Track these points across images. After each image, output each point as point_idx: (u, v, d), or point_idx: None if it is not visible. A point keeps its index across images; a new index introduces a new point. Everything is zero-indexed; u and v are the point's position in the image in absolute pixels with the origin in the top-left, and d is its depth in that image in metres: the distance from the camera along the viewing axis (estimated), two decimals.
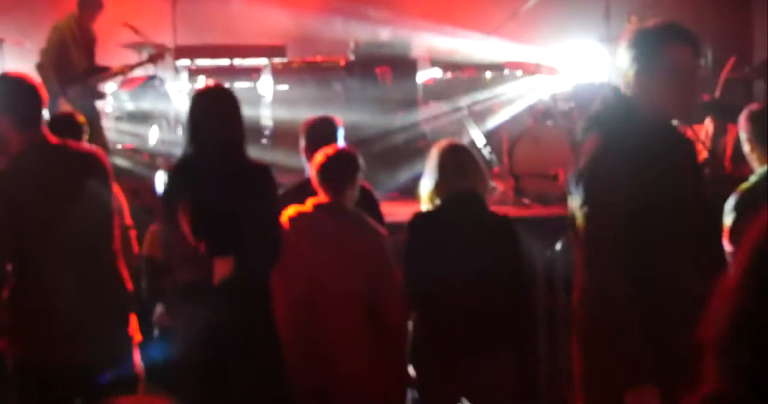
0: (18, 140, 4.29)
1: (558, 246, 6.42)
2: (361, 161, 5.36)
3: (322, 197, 5.17)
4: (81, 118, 5.99)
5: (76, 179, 4.30)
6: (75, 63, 9.42)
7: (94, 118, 9.46)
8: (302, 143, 5.88)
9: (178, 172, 4.77)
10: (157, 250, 5.46)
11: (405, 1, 12.10)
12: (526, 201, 9.22)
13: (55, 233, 4.21)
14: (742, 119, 5.22)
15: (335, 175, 5.19)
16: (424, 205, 5.12)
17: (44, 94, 4.39)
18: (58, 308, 4.24)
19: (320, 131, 5.86)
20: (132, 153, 10.32)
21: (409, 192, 9.72)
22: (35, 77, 4.45)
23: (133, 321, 4.60)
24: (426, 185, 5.11)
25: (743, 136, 5.18)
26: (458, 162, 5.08)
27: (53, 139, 4.39)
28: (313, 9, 12.07)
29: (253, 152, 9.25)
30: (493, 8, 11.35)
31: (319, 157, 5.25)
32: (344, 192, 5.19)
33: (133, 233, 5.76)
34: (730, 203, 4.90)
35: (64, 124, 5.79)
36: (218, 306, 4.53)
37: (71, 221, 4.19)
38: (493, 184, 9.60)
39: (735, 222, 4.78)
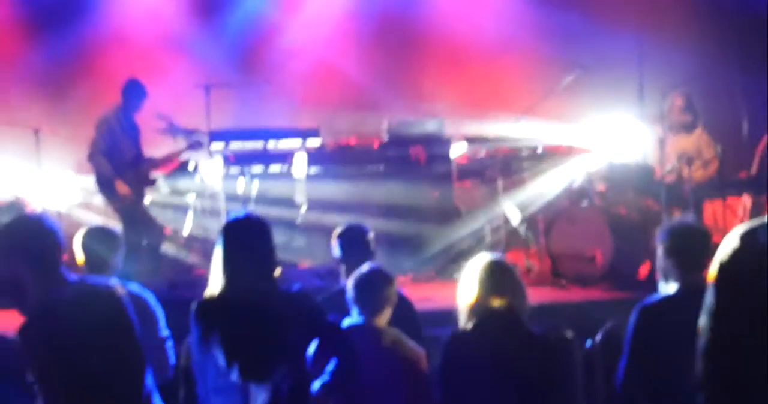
0: (36, 286, 4.28)
1: (598, 336, 6.30)
2: (394, 278, 5.38)
3: (356, 317, 5.18)
4: (115, 232, 5.99)
5: (96, 319, 4.28)
6: (124, 152, 9.60)
7: (142, 203, 9.82)
8: (335, 251, 6.01)
9: (210, 305, 4.75)
10: None
11: (438, 84, 12.19)
12: (563, 282, 9.16)
13: (83, 376, 4.19)
14: None
15: (371, 298, 5.22)
16: (462, 321, 5.06)
17: (61, 237, 4.37)
18: None
19: (351, 240, 6.05)
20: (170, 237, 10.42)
21: (445, 271, 9.77)
22: (53, 220, 4.40)
23: None
24: (463, 299, 5.05)
25: None
26: (496, 279, 5.03)
27: (71, 278, 4.36)
28: (345, 95, 12.21)
29: (285, 235, 9.41)
30: (528, 88, 11.40)
31: (355, 276, 5.28)
32: (380, 313, 5.22)
33: (168, 344, 5.72)
34: None
35: (101, 236, 5.80)
36: None
37: (96, 363, 4.17)
38: (531, 265, 9.60)
39: None
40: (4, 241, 4.30)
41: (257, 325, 4.55)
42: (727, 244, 3.30)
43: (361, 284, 5.23)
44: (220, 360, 4.52)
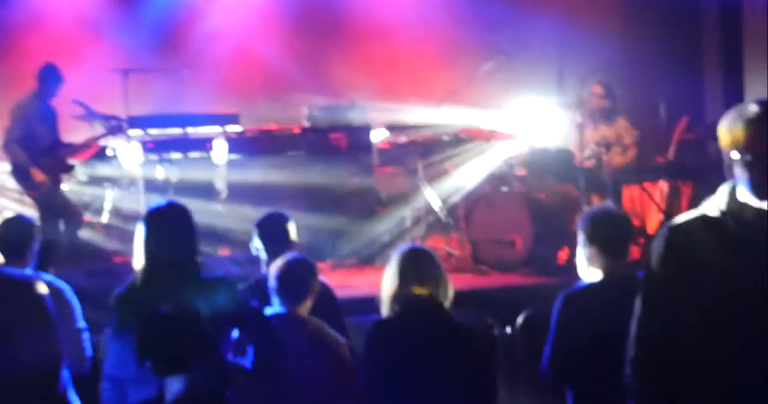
0: None
1: (518, 322, 6.34)
2: (316, 268, 5.37)
3: (278, 307, 5.15)
4: (31, 221, 5.88)
5: (11, 311, 4.20)
6: (40, 139, 9.45)
7: (59, 190, 9.68)
8: (255, 239, 5.98)
9: (129, 294, 4.69)
10: None
11: (359, 70, 12.16)
12: (483, 267, 9.19)
13: None
14: None
15: (294, 288, 5.18)
16: (385, 310, 5.06)
17: None
18: None
19: (271, 228, 5.99)
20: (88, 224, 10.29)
21: (366, 258, 9.77)
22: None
23: None
24: (386, 288, 5.05)
25: None
26: (418, 267, 5.03)
27: None
28: (266, 81, 12.13)
29: (208, 219, 9.34)
30: (447, 74, 11.41)
31: (277, 265, 5.25)
32: (302, 303, 5.19)
33: (85, 336, 5.62)
34: None
35: (16, 225, 5.69)
36: None
37: (11, 356, 4.10)
38: (452, 251, 9.63)
39: None
40: None
41: (173, 315, 4.51)
42: (662, 236, 3.33)
43: (284, 274, 5.19)
44: (134, 350, 4.48)
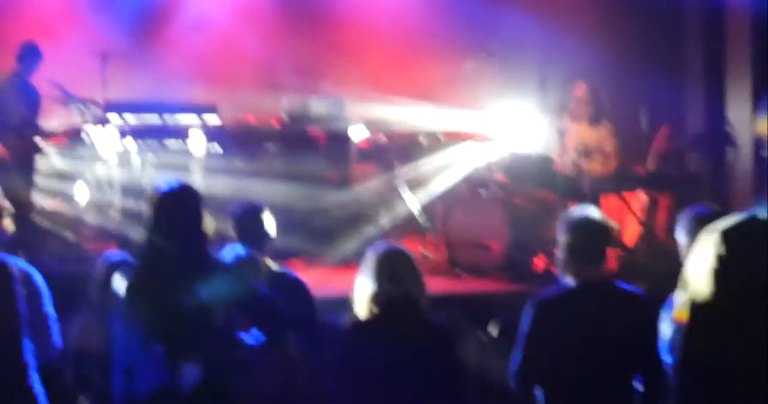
0: None
1: (492, 327, 6.35)
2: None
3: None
4: None
5: None
6: (9, 114, 9.36)
7: (28, 171, 9.59)
8: (229, 229, 5.89)
9: (139, 281, 4.66)
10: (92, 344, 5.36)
11: (342, 65, 12.14)
12: (459, 271, 9.18)
13: None
14: (685, 222, 5.23)
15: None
16: (360, 310, 5.04)
17: None
18: None
19: (246, 218, 5.93)
20: (56, 212, 10.21)
21: (345, 258, 9.74)
22: None
23: None
24: (361, 288, 5.03)
25: (684, 238, 5.17)
26: (394, 269, 5.01)
27: None
28: (247, 70, 12.09)
29: None
30: (428, 73, 11.40)
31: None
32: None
33: (53, 323, 5.57)
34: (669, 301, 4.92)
35: None
36: None
37: None
38: (427, 253, 9.62)
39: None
40: None
41: (186, 302, 4.49)
42: (706, 253, 3.17)
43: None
44: (145, 335, 4.46)
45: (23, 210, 9.46)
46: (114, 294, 4.69)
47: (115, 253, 6.01)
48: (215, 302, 4.52)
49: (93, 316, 5.58)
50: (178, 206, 4.71)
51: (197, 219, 4.71)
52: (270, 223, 5.93)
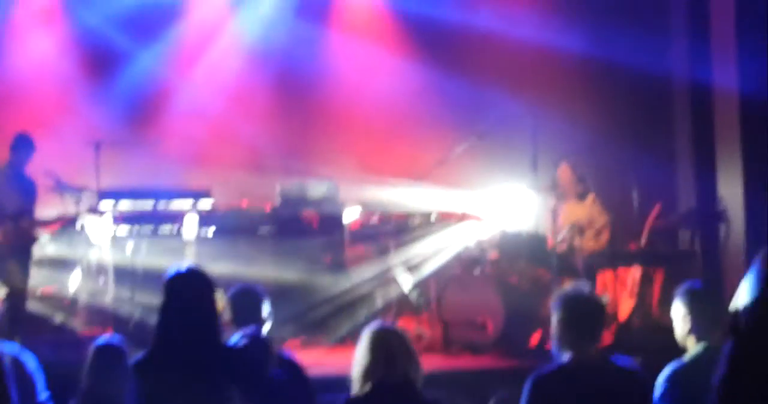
0: None
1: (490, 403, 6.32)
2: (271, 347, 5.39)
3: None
4: None
5: None
6: (5, 202, 9.42)
7: (24, 258, 9.54)
8: (226, 315, 5.87)
9: (148, 361, 4.69)
10: None
11: (334, 149, 12.24)
12: (455, 349, 9.18)
13: None
14: (681, 297, 5.26)
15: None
16: (356, 388, 5.05)
17: None
18: None
19: (244, 301, 5.93)
20: (51, 298, 10.21)
21: (338, 338, 9.73)
22: None
23: None
24: (357, 367, 5.04)
25: (680, 312, 5.20)
26: (389, 348, 5.03)
27: None
28: (240, 157, 12.18)
29: None
30: (422, 155, 11.48)
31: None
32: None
33: None
34: (664, 374, 4.95)
35: None
36: None
37: None
38: (422, 332, 9.61)
39: (663, 396, 4.86)
40: None
41: (193, 381, 4.50)
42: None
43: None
44: None
45: (19, 296, 9.49)
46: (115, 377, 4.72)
47: (104, 337, 6.01)
48: (227, 386, 4.56)
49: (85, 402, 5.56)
50: (185, 289, 4.76)
51: (205, 302, 4.79)
52: (267, 307, 5.95)
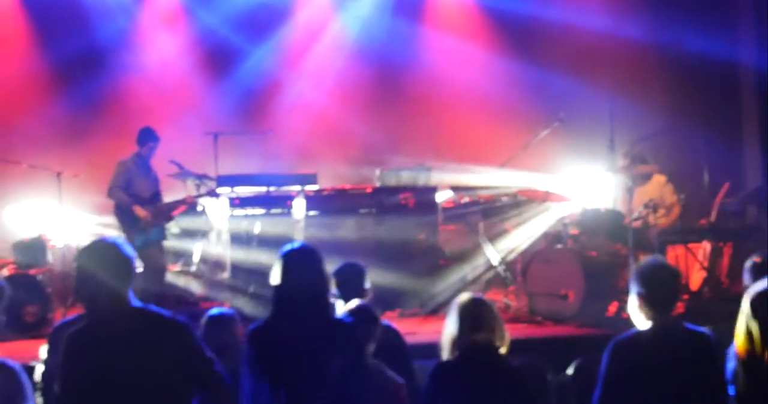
0: None
1: (571, 370, 6.27)
2: (377, 318, 5.42)
3: None
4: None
5: None
6: (139, 191, 9.60)
7: (161, 237, 9.80)
8: (331, 287, 5.91)
9: (264, 330, 4.78)
10: None
11: (427, 136, 12.25)
12: (538, 318, 9.13)
13: None
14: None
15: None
16: (445, 354, 5.06)
17: None
18: None
19: (348, 277, 5.99)
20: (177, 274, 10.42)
21: (431, 309, 9.73)
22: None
23: None
24: (447, 335, 5.06)
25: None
26: (477, 316, 5.03)
27: None
28: (342, 144, 12.25)
29: None
30: (507, 141, 11.44)
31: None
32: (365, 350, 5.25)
33: None
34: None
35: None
36: None
37: None
38: (509, 302, 9.59)
39: None
40: None
41: (305, 352, 4.60)
42: None
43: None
44: (268, 385, 4.53)
45: (161, 272, 9.71)
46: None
47: (217, 308, 6.09)
48: (329, 353, 4.61)
49: None
50: (299, 262, 4.82)
51: (317, 275, 4.83)
52: (368, 283, 6.00)
